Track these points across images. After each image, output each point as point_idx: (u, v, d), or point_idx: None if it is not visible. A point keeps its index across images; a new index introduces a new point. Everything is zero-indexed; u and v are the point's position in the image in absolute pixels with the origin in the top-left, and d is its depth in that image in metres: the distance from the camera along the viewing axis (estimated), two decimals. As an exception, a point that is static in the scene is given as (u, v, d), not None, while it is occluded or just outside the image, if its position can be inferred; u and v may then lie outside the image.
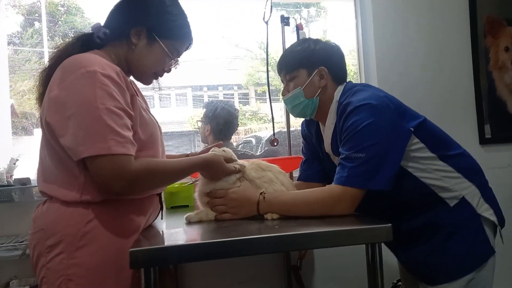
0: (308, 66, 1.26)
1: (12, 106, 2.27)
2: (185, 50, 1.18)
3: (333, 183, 1.12)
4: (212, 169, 1.15)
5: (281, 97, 1.35)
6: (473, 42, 2.22)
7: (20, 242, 1.65)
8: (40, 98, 1.05)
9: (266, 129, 2.08)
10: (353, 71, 2.37)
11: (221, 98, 4.77)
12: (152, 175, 1.00)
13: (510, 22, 2.24)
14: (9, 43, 2.34)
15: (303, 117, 1.38)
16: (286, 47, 1.95)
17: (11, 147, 2.08)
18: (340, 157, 1.13)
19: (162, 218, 1.21)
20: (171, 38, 1.10)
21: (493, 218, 1.18)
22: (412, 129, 1.15)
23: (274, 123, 1.96)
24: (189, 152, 1.37)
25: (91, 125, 0.91)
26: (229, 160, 1.18)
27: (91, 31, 1.10)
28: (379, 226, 0.98)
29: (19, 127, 2.28)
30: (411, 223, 1.18)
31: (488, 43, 2.23)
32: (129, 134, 0.97)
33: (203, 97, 4.59)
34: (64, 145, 0.94)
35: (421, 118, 1.21)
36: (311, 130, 1.41)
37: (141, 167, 0.96)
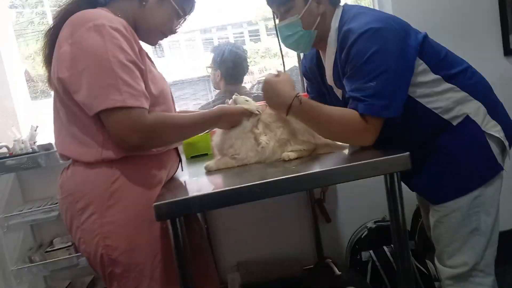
0: None
1: (26, 72, 2.29)
2: (189, 12, 1.16)
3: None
4: (227, 119, 1.15)
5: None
6: None
7: (56, 204, 1.75)
8: (47, 59, 1.05)
9: (281, 65, 2.02)
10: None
11: (230, 37, 4.62)
12: (168, 128, 1.01)
13: None
14: (10, 7, 2.28)
15: (295, 50, 1.31)
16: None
17: (32, 112, 2.13)
18: (350, 88, 1.09)
19: (182, 170, 1.24)
20: None
21: (500, 134, 1.14)
22: (419, 47, 1.09)
23: (287, 59, 1.89)
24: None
25: (104, 78, 0.92)
26: (246, 110, 1.17)
27: None
28: (397, 156, 0.96)
29: (38, 91, 2.30)
30: (418, 151, 1.15)
31: None
32: (142, 87, 0.97)
33: (212, 39, 4.45)
34: (79, 101, 0.95)
35: (424, 34, 1.14)
36: (311, 64, 1.35)
37: (156, 120, 0.98)
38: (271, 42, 3.74)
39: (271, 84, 1.11)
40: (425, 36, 1.15)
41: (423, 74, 1.12)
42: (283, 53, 1.40)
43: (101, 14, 0.97)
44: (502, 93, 1.25)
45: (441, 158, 1.16)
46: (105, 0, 1.08)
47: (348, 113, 1.08)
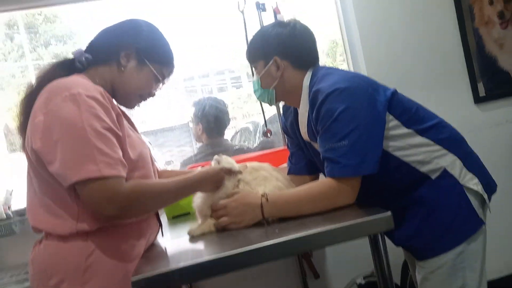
0: (263, 57, 1.23)
1: (6, 126, 2.26)
2: (168, 76, 1.18)
3: (326, 176, 1.10)
4: (210, 182, 1.13)
5: None
6: (456, 1, 2.15)
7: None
8: (22, 127, 1.03)
9: (263, 111, 2.06)
10: (338, 43, 2.32)
11: (213, 84, 4.72)
12: (146, 197, 0.99)
13: (490, -26, 2.17)
14: None
15: (264, 103, 1.36)
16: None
17: (10, 164, 2.08)
18: (324, 149, 1.10)
19: (162, 235, 1.20)
20: (158, 62, 1.12)
21: (478, 187, 1.13)
22: (387, 103, 1.12)
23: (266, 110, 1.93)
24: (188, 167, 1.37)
25: (79, 148, 0.90)
26: (228, 170, 1.16)
27: (72, 57, 1.09)
28: (379, 216, 0.96)
29: (17, 144, 2.26)
30: (398, 204, 1.16)
31: (471, 0, 2.17)
32: (119, 154, 0.95)
33: (195, 86, 4.54)
34: (53, 172, 0.92)
35: (393, 90, 1.17)
36: (288, 121, 1.38)
37: (134, 190, 0.95)
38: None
39: (237, 201, 1.12)
40: (394, 93, 1.16)
41: (395, 128, 1.13)
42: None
43: (78, 82, 0.97)
44: (475, 140, 1.27)
45: (420, 212, 1.15)
46: (82, 66, 1.08)
47: (318, 185, 1.10)
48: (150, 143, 2.64)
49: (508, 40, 2.19)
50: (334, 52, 3.07)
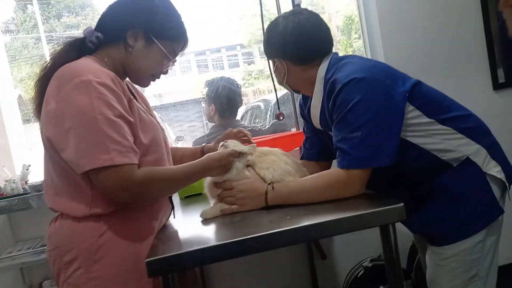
0: (270, 56, 1.29)
1: (19, 97, 2.29)
2: (181, 50, 1.14)
3: (337, 166, 1.09)
4: (218, 166, 1.13)
5: None
6: (480, -18, 2.07)
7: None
8: (38, 109, 1.04)
9: (276, 90, 2.03)
10: (356, 20, 2.25)
11: (224, 60, 4.67)
12: (158, 183, 1.00)
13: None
14: (5, 32, 2.30)
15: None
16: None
17: (25, 136, 2.13)
18: (337, 139, 1.09)
19: (174, 217, 1.22)
20: (168, 39, 1.08)
21: (501, 175, 1.13)
22: (407, 94, 1.09)
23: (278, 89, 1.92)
24: (203, 144, 1.38)
25: (91, 136, 0.91)
26: (237, 153, 1.16)
27: (83, 36, 1.07)
28: (392, 207, 0.96)
29: (30, 115, 2.29)
30: (417, 191, 1.16)
31: (496, -19, 2.08)
32: (131, 142, 0.96)
33: (206, 61, 4.49)
34: (66, 159, 0.94)
35: (415, 81, 1.15)
36: (306, 108, 1.37)
37: (145, 177, 0.96)
38: (265, 64, 3.80)
39: (245, 185, 1.14)
40: (416, 84, 1.14)
41: (416, 118, 1.12)
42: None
43: (89, 68, 0.96)
44: (492, 126, 1.24)
45: (441, 199, 1.14)
46: (94, 46, 1.07)
47: (326, 176, 1.10)
48: (161, 118, 2.64)
49: (532, 24, 2.11)
50: (349, 29, 2.97)
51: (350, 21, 2.89)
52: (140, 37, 1.06)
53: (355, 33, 2.45)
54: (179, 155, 1.33)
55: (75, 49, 1.05)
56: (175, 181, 1.05)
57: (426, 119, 1.12)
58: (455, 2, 2.08)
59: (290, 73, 1.25)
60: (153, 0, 1.07)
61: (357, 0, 2.17)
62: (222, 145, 1.21)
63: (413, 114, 1.12)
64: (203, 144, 1.39)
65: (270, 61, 1.32)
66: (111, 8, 1.09)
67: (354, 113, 1.05)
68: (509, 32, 2.11)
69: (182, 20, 1.12)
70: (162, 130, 1.16)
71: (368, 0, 2.10)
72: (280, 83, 1.31)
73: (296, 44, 1.20)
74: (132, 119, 0.98)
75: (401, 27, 2.05)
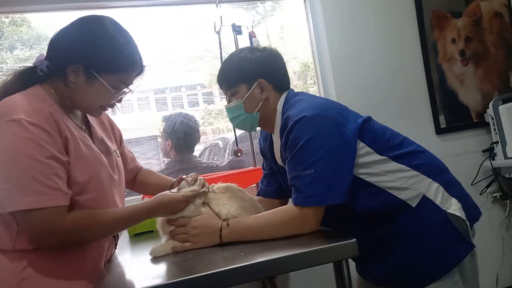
0: (246, 79, 1.21)
1: None
2: (136, 77, 1.09)
3: (292, 203, 1.09)
4: (165, 208, 1.08)
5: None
6: (421, 37, 2.29)
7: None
8: None
9: (235, 129, 2.06)
10: (311, 67, 2.38)
11: (184, 98, 4.69)
12: (90, 229, 0.96)
13: (454, 14, 2.33)
14: None
15: (242, 130, 1.37)
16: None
17: None
18: (290, 176, 1.09)
19: (115, 249, 1.17)
20: (114, 72, 1.02)
21: (460, 213, 1.09)
22: (358, 131, 1.10)
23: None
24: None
25: (16, 178, 0.88)
26: (191, 197, 1.12)
27: (33, 65, 1.04)
28: (344, 242, 0.96)
29: None
30: (375, 234, 1.14)
31: (435, 37, 2.31)
32: (59, 183, 0.92)
33: (166, 99, 4.48)
34: None
35: (365, 117, 1.16)
36: (265, 144, 1.37)
37: (75, 222, 0.93)
38: (224, 104, 3.86)
39: (198, 221, 1.10)
40: (366, 120, 1.15)
41: (367, 155, 1.11)
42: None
43: (23, 106, 0.93)
44: None
45: (403, 243, 1.11)
46: (44, 75, 1.03)
47: (281, 212, 1.09)
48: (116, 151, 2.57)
49: (468, 76, 2.34)
50: (305, 75, 3.15)
51: (306, 67, 3.06)
52: (80, 73, 1.00)
53: (311, 79, 2.59)
54: (149, 179, 1.37)
55: (23, 78, 1.02)
56: (113, 226, 1.01)
57: (378, 157, 1.12)
58: (401, 55, 2.27)
59: (267, 99, 1.22)
60: (93, 32, 1.00)
61: (311, 48, 2.31)
62: (177, 188, 1.17)
63: (364, 151, 1.11)
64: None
65: (241, 88, 1.22)
66: (56, 37, 1.03)
67: (306, 151, 1.05)
68: (448, 83, 2.32)
69: (133, 47, 1.05)
70: (111, 162, 1.12)
71: (321, 48, 2.25)
72: (251, 111, 1.22)
73: (279, 70, 1.23)
74: (66, 159, 0.95)
75: (353, 75, 2.19)
